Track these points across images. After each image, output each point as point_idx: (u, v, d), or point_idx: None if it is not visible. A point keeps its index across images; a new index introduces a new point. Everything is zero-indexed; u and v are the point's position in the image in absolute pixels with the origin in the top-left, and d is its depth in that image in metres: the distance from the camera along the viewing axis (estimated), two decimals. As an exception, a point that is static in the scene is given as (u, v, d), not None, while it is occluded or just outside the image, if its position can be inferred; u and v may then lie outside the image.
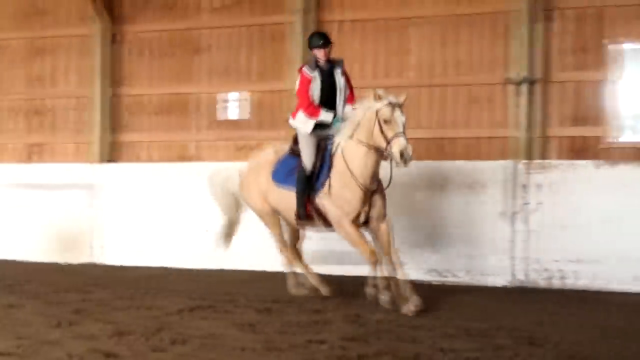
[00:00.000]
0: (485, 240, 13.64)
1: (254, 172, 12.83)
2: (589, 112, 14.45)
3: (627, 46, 14.18)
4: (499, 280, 13.60)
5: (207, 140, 16.68)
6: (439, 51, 15.24)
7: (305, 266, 13.12)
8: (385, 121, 11.14)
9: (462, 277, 13.82)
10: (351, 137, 11.58)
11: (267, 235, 14.85)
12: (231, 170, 13.45)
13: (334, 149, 11.84)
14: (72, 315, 11.06)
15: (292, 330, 10.17)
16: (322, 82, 12.06)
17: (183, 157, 16.74)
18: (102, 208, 16.32)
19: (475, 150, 14.75)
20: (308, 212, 12.09)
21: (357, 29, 15.76)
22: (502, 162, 13.82)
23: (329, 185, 11.77)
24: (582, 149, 14.42)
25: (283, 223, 12.85)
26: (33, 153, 18.01)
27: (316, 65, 12.16)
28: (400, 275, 11.38)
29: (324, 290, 12.56)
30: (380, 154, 11.31)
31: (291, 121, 12.27)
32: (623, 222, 13.12)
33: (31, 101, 18.05)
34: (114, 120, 17.34)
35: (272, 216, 12.85)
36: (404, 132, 11.04)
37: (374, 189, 11.60)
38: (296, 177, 12.15)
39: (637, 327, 10.37)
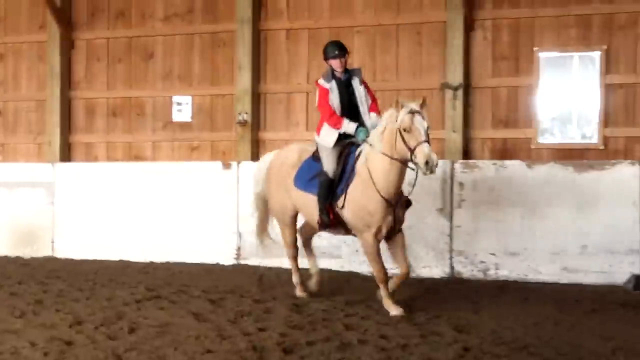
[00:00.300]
0: (424, 235, 13.64)
1: (277, 173, 11.84)
2: (515, 116, 14.58)
3: (549, 54, 14.30)
4: (437, 271, 13.64)
5: (162, 141, 16.60)
6: (380, 58, 15.30)
7: (297, 267, 12.13)
8: (406, 130, 10.14)
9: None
10: (375, 148, 10.57)
11: (221, 229, 14.89)
12: (266, 160, 12.41)
13: (357, 155, 10.90)
14: (33, 306, 11.01)
15: (243, 319, 10.20)
16: (340, 93, 11.12)
17: (139, 157, 16.65)
18: (61, 205, 16.14)
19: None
20: (332, 219, 11.05)
21: (302, 37, 15.76)
22: (439, 161, 13.82)
23: (347, 193, 10.81)
24: (509, 150, 14.53)
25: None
26: (-5, 152, 17.84)
27: (332, 76, 11.23)
28: (400, 276, 10.81)
29: (298, 292, 11.88)
30: (405, 164, 10.43)
31: (316, 138, 11.31)
32: (548, 217, 13.23)
33: (-11, 104, 17.87)
34: (72, 122, 17.20)
35: (291, 223, 11.87)
36: (426, 139, 10.13)
37: (396, 198, 10.66)
38: (319, 183, 11.12)
39: (564, 315, 10.47)
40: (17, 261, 15.65)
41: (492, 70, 14.72)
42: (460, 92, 14.53)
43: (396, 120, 10.30)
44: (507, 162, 13.69)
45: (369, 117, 11.06)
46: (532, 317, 10.30)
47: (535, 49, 14.42)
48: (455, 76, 14.60)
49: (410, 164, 10.38)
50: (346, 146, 11.09)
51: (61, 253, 16.02)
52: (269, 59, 15.92)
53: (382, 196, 10.54)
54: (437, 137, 14.65)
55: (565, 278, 13.10)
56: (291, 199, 11.59)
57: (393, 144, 10.38)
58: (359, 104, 11.13)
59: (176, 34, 16.60)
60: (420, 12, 15.10)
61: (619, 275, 12.88)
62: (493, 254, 13.42)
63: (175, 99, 16.52)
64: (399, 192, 10.71)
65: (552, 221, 13.22)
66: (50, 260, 15.80)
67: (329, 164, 11.08)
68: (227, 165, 15.20)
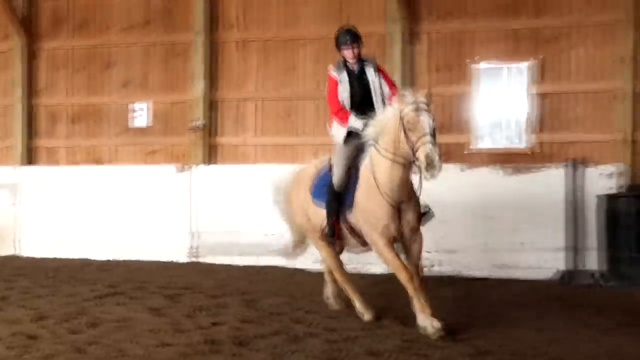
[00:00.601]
0: (369, 234, 13.65)
1: (295, 187, 10.57)
2: (453, 122, 14.62)
3: (482, 65, 14.38)
4: (379, 268, 13.64)
5: (121, 145, 16.42)
6: (323, 67, 15.20)
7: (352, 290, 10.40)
8: (410, 125, 8.72)
9: (347, 266, 13.80)
10: (377, 146, 9.21)
11: (177, 228, 14.79)
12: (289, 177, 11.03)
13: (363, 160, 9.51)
14: (-2, 302, 10.88)
15: (197, 313, 10.18)
16: (351, 83, 9.66)
17: (98, 161, 16.46)
18: (25, 206, 16.00)
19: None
20: (337, 231, 9.78)
21: (253, 48, 15.67)
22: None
23: (355, 199, 9.44)
24: (448, 154, 14.57)
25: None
26: (-39, 156, 17.55)
27: (344, 65, 9.79)
28: (422, 297, 9.20)
29: (367, 316, 10.01)
30: (410, 165, 9.03)
31: (329, 130, 10.02)
32: (483, 217, 13.34)
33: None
34: (35, 127, 16.95)
35: (323, 239, 10.24)
36: (432, 136, 8.67)
37: (403, 201, 9.24)
38: (326, 192, 9.82)
39: (499, 309, 10.56)
40: (-18, 260, 15.47)
41: (430, 80, 14.74)
42: (402, 100, 14.54)
43: (400, 115, 8.88)
44: (445, 166, 13.72)
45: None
46: (469, 310, 10.37)
47: (470, 60, 14.49)
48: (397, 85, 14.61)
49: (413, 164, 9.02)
50: (358, 152, 9.67)
51: (25, 252, 15.89)
52: (222, 68, 15.84)
53: (386, 198, 9.18)
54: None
55: (499, 274, 13.21)
56: (309, 213, 10.26)
57: (396, 142, 8.95)
58: (373, 96, 9.69)
59: (135, 44, 16.43)
60: (362, 25, 14.97)
61: (549, 270, 13.03)
62: (433, 251, 13.47)
63: (137, 105, 16.37)
64: (405, 194, 9.26)
65: (487, 220, 13.32)
66: (15, 258, 15.64)
67: (338, 170, 9.73)
68: (182, 169, 15.16)
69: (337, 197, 9.67)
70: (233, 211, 14.63)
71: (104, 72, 16.62)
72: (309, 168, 10.57)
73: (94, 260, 15.08)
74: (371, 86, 9.70)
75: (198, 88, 15.73)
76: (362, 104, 9.65)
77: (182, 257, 14.91)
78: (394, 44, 14.68)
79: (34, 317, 9.89)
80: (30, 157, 16.88)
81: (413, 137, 8.71)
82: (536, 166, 13.46)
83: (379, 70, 9.85)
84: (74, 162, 16.63)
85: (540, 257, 13.12)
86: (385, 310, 10.29)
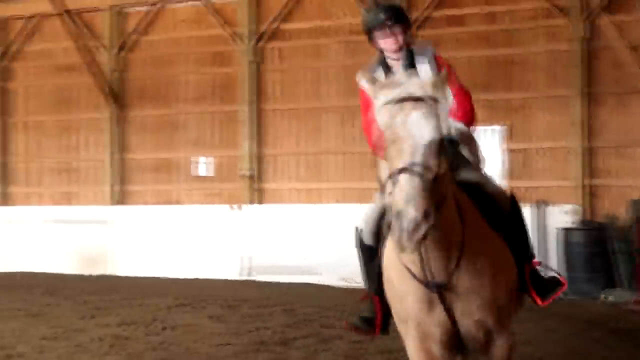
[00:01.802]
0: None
1: None
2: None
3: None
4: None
5: (191, 189, 16.25)
6: (345, 129, 15.01)
7: None
8: (388, 139, 3.74)
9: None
10: None
11: (233, 253, 14.53)
12: None
13: None
14: (93, 311, 10.72)
15: (247, 320, 10.03)
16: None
17: (169, 201, 16.27)
18: (119, 236, 15.82)
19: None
20: (379, 317, 4.70)
21: (286, 115, 15.48)
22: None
23: (383, 261, 4.46)
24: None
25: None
26: (69, 198, 17.29)
27: (381, 64, 4.99)
28: None
29: None
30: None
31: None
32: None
33: (63, 163, 17.29)
34: (126, 175, 16.77)
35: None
36: (418, 162, 3.59)
37: (444, 281, 4.07)
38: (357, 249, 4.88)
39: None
40: (83, 278, 15.19)
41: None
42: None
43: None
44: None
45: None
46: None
47: (456, 124, 14.22)
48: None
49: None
50: None
51: (115, 272, 15.62)
52: (264, 131, 15.67)
53: (412, 274, 4.14)
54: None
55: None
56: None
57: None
58: None
59: (199, 112, 16.30)
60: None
61: (521, 287, 12.69)
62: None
63: (201, 159, 16.22)
64: (447, 268, 4.07)
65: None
66: (107, 277, 15.33)
67: (367, 217, 4.82)
68: (238, 207, 15.00)
69: (372, 255, 4.69)
70: (276, 240, 14.35)
71: (178, 133, 16.48)
72: None
73: (167, 278, 14.77)
74: None
75: (246, 146, 15.58)
76: None
77: (236, 276, 14.63)
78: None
79: (121, 322, 9.70)
80: (123, 198, 16.70)
81: (383, 169, 3.83)
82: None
83: (437, 64, 4.96)
84: (156, 203, 16.44)
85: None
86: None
